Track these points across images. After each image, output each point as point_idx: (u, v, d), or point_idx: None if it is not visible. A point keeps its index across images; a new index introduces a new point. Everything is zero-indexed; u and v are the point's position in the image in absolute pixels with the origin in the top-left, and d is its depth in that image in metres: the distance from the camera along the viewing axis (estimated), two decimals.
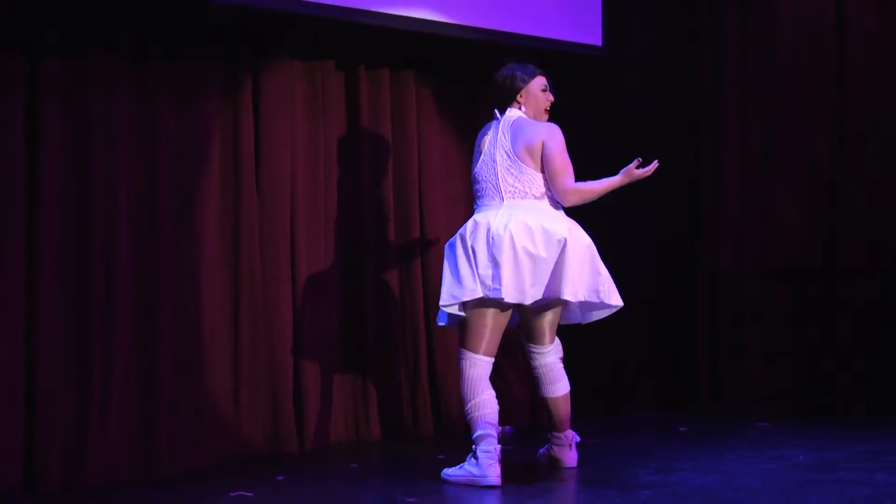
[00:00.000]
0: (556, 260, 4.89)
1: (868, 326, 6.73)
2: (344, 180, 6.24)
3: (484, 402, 4.95)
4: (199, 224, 5.61)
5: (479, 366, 5.01)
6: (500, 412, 5.01)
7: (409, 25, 6.10)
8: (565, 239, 4.88)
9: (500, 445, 4.89)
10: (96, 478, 5.08)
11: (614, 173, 5.05)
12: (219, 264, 5.69)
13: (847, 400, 6.72)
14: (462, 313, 5.02)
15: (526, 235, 4.88)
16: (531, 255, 4.85)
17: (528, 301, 4.90)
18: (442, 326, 5.25)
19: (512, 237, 4.86)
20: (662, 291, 7.29)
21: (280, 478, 5.12)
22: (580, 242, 4.95)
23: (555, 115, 5.38)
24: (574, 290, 4.89)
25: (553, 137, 5.04)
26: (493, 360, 5.06)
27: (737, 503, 4.31)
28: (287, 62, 5.99)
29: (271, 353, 5.85)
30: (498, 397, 5.02)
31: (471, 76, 6.67)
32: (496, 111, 5.21)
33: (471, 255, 4.92)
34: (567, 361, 5.32)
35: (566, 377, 5.21)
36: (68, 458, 5.07)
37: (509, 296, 4.84)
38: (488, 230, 4.91)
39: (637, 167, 5.02)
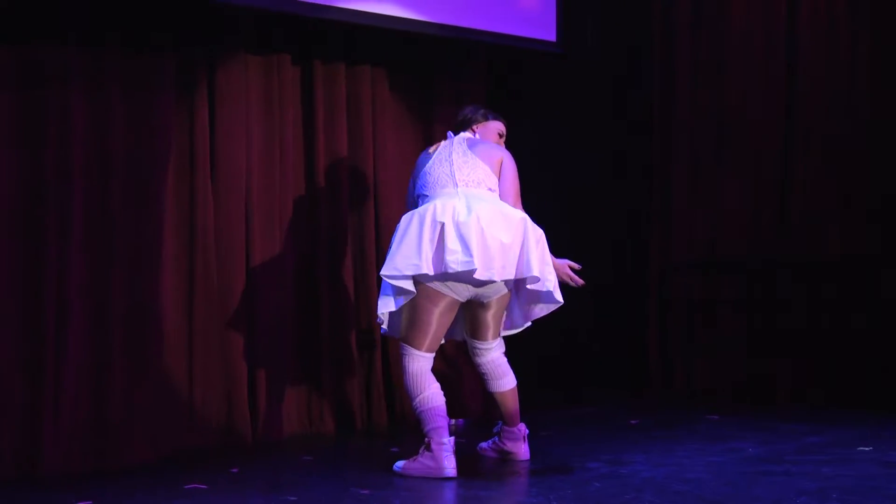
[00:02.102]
0: (520, 242, 4.90)
1: (817, 317, 6.82)
2: (299, 174, 6.25)
3: (432, 396, 4.96)
4: (153, 218, 5.59)
5: (421, 361, 5.01)
6: (454, 405, 5.04)
7: (365, 20, 6.12)
8: (525, 219, 4.93)
9: (452, 437, 4.93)
10: (49, 470, 5.07)
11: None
12: (173, 257, 5.69)
13: (796, 391, 6.81)
14: (412, 290, 4.90)
15: (491, 220, 4.85)
16: (497, 239, 4.82)
17: (498, 277, 4.83)
18: (385, 334, 5.23)
19: (479, 219, 4.82)
20: (615, 283, 7.36)
21: (234, 470, 5.13)
22: (536, 230, 4.98)
23: (507, 111, 5.45)
24: (540, 269, 4.90)
25: (512, 161, 5.21)
26: (433, 355, 5.08)
27: (686, 494, 4.36)
28: (242, 56, 5.99)
29: (225, 345, 5.86)
30: (451, 389, 5.04)
31: (426, 71, 6.71)
32: (449, 133, 5.32)
33: (436, 231, 4.82)
34: (516, 353, 5.35)
35: (512, 371, 5.24)
36: (21, 451, 5.06)
37: (480, 271, 4.76)
38: (454, 211, 4.85)
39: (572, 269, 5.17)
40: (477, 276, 4.79)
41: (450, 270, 4.78)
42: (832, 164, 6.84)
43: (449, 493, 4.63)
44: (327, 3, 5.96)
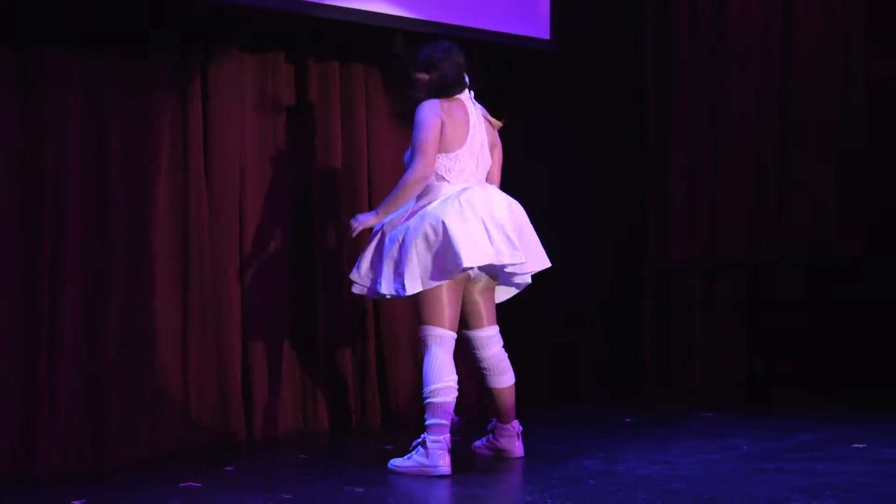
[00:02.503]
0: (531, 231, 5.10)
1: (815, 317, 6.82)
2: (293, 171, 6.25)
3: (446, 390, 4.90)
4: (147, 216, 5.58)
5: (448, 342, 4.97)
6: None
7: (359, 18, 6.11)
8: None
9: (449, 435, 4.92)
10: (45, 470, 5.06)
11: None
12: (167, 254, 5.68)
13: (792, 390, 6.82)
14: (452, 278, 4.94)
15: (515, 212, 5.05)
16: (524, 230, 5.04)
17: (534, 269, 5.11)
18: (392, 297, 5.12)
19: (511, 211, 5.02)
20: (614, 283, 7.36)
21: (229, 468, 5.14)
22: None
23: (502, 108, 5.44)
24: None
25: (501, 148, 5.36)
26: (455, 336, 5.04)
27: (680, 492, 4.36)
28: (236, 54, 5.99)
29: (220, 342, 5.85)
30: None
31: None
32: (473, 102, 5.22)
33: (481, 222, 4.89)
34: (514, 350, 5.36)
35: (511, 368, 5.25)
36: (17, 450, 5.05)
37: (529, 265, 5.03)
38: (489, 203, 4.96)
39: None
40: (526, 269, 5.04)
41: (501, 263, 4.93)
42: (832, 164, 6.83)
43: (443, 492, 4.64)
44: (321, 2, 5.95)
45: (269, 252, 6.08)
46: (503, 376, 5.20)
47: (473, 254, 4.80)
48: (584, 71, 7.27)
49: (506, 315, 5.37)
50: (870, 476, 4.58)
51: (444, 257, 4.85)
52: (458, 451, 5.13)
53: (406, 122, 6.15)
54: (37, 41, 5.23)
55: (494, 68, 7.04)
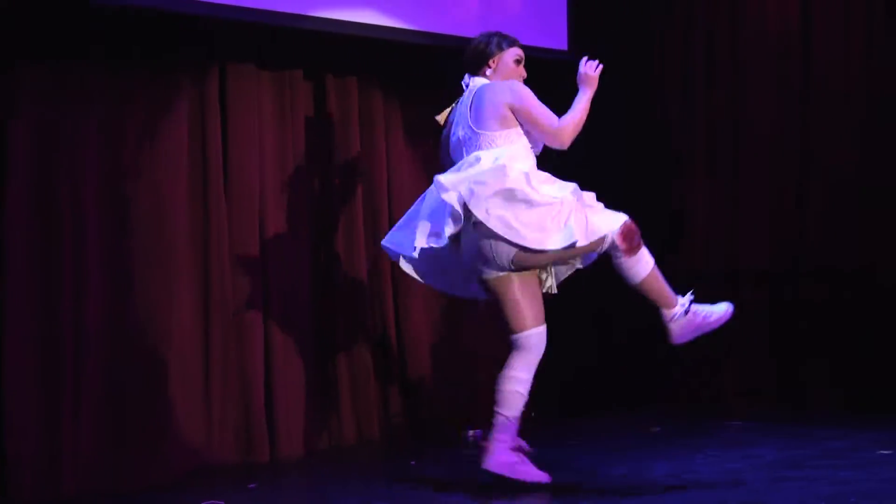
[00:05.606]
0: None
1: (837, 323, 6.77)
2: (313, 189, 6.26)
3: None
4: (168, 233, 5.62)
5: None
6: (468, 413, 4.92)
7: (376, 34, 6.14)
8: None
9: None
10: (68, 491, 5.09)
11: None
12: (188, 272, 5.71)
13: (818, 397, 6.77)
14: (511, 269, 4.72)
15: None
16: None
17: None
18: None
19: None
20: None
21: (252, 486, 5.14)
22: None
23: None
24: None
25: (516, 95, 4.83)
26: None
27: (704, 501, 4.34)
28: (255, 71, 6.01)
29: (242, 361, 5.86)
30: (469, 400, 4.93)
31: (439, 83, 6.69)
32: (466, 76, 5.03)
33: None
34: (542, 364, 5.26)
35: (642, 261, 4.81)
36: (39, 471, 5.07)
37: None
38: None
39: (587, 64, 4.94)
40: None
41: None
42: (850, 177, 6.78)
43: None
44: (339, 18, 5.97)
45: (290, 268, 6.09)
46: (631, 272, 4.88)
47: None
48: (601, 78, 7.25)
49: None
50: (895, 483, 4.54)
51: None
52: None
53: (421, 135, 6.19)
54: (58, 57, 5.28)
55: None
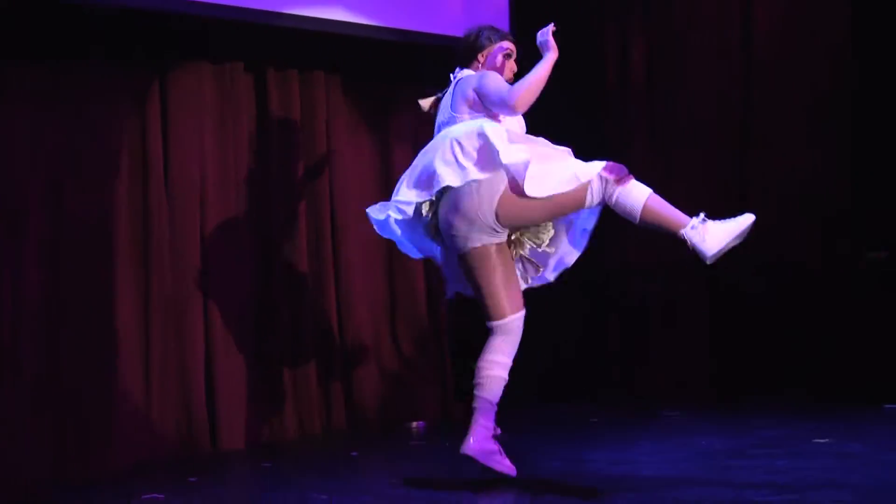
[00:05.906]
0: None
1: (776, 315, 6.84)
2: (254, 181, 6.24)
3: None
4: (109, 228, 5.60)
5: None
6: (413, 407, 4.93)
7: (320, 27, 6.13)
8: None
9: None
10: (4, 481, 5.05)
11: None
12: (129, 266, 5.69)
13: (756, 388, 6.83)
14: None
15: None
16: None
17: None
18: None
19: None
20: (581, 284, 7.38)
21: (192, 479, 5.12)
22: None
23: None
24: None
25: (480, 78, 4.72)
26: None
27: (642, 490, 4.37)
28: (195, 64, 6.00)
29: (183, 354, 5.85)
30: (410, 393, 4.94)
31: (384, 75, 6.70)
32: (456, 69, 4.94)
33: None
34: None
35: (637, 187, 4.67)
36: None
37: None
38: None
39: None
40: None
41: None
42: (791, 168, 6.86)
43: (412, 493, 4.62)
44: (279, 10, 5.96)
45: (232, 262, 6.07)
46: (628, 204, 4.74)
47: None
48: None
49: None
50: (832, 471, 4.57)
51: None
52: (424, 456, 5.11)
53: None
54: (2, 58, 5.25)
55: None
